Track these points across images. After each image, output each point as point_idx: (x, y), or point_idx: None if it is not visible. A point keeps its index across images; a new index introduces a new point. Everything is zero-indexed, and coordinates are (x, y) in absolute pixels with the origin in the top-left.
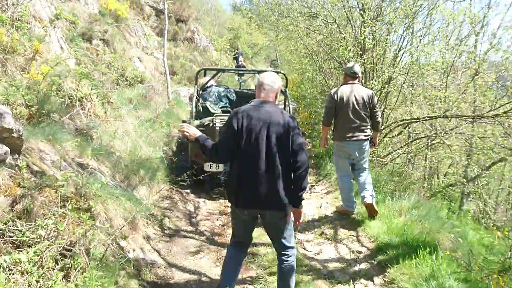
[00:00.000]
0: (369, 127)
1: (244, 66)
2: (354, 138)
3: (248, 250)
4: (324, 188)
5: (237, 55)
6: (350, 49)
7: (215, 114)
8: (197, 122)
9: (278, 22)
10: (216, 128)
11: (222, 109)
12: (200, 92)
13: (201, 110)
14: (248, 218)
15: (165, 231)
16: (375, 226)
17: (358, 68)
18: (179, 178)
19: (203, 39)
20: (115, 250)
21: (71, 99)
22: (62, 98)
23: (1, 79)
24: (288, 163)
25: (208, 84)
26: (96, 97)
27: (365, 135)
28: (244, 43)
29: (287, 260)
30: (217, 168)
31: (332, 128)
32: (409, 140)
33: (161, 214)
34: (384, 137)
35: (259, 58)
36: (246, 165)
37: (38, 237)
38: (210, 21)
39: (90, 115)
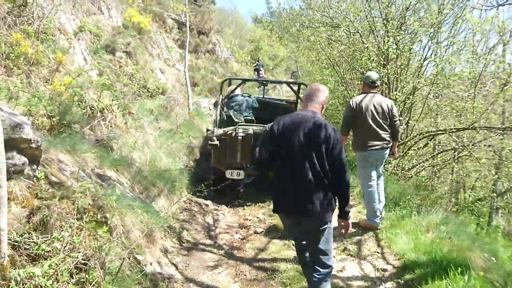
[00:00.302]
0: (389, 135)
1: (263, 75)
2: (376, 147)
3: (268, 266)
4: None
5: (257, 67)
6: (373, 59)
7: (238, 124)
8: (220, 131)
9: (300, 33)
10: (238, 137)
11: (245, 118)
12: (225, 100)
13: (225, 119)
14: (292, 223)
15: (183, 244)
16: (401, 242)
17: (376, 77)
18: (199, 188)
19: (224, 51)
20: (131, 264)
21: (92, 110)
22: (83, 109)
23: (24, 90)
24: (327, 173)
25: (236, 92)
26: (117, 108)
27: (386, 143)
28: (265, 54)
29: (316, 277)
30: (238, 175)
31: (352, 138)
32: (435, 153)
33: (180, 227)
34: (408, 150)
35: (280, 69)
36: (285, 172)
37: (54, 250)
38: (232, 33)
39: (110, 126)
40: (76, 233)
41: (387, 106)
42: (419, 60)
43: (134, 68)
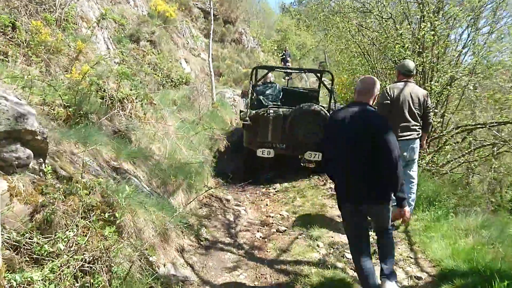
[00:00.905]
0: (420, 127)
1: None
2: (407, 137)
3: (290, 269)
4: None
5: (284, 57)
6: (408, 47)
7: (269, 106)
8: (253, 112)
9: (328, 20)
10: (270, 117)
11: (273, 103)
12: (257, 87)
13: (255, 103)
14: (354, 213)
15: (201, 243)
16: (437, 247)
17: (413, 66)
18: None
19: (250, 40)
20: (142, 266)
21: (112, 99)
22: (102, 98)
23: (38, 78)
24: (381, 162)
25: (269, 79)
26: (136, 98)
27: (417, 134)
28: (292, 44)
29: (388, 237)
30: (268, 154)
31: None
32: (472, 148)
33: (198, 224)
34: (444, 144)
35: (307, 59)
36: (343, 163)
37: (58, 250)
38: (259, 23)
39: (130, 117)
40: (83, 232)
41: (423, 97)
42: (457, 48)
43: (158, 58)
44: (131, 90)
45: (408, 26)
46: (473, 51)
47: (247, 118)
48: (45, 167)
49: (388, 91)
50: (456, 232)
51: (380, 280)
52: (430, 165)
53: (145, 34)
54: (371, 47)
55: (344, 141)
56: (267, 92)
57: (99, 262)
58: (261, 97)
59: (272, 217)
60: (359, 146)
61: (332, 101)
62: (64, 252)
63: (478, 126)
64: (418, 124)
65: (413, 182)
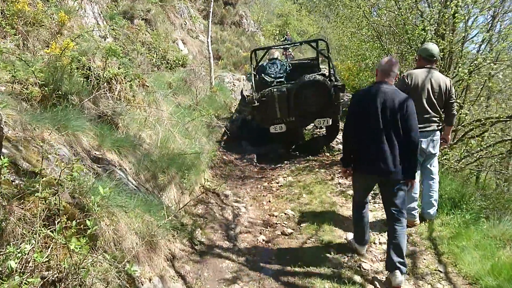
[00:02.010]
0: (439, 118)
1: (291, 54)
2: (426, 129)
3: (300, 283)
4: None
5: (286, 41)
6: (429, 29)
7: (272, 84)
8: (258, 94)
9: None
10: (275, 95)
11: (278, 79)
12: (261, 67)
13: (260, 84)
14: (370, 182)
15: (196, 247)
16: (470, 260)
17: (436, 50)
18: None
19: (251, 24)
20: (121, 285)
21: (98, 79)
22: (86, 78)
23: (11, 52)
24: (401, 137)
25: (275, 56)
26: (124, 78)
27: (437, 126)
28: (293, 30)
29: (400, 227)
30: (280, 129)
31: None
32: (491, 143)
33: (192, 224)
34: (462, 138)
35: (308, 46)
36: (365, 137)
37: (8, 270)
38: (259, 8)
39: (119, 99)
40: (44, 245)
41: (446, 85)
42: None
43: (153, 37)
44: (119, 68)
45: (429, 8)
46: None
47: (255, 101)
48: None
49: (406, 77)
50: (492, 242)
51: (390, 270)
52: (443, 159)
53: (139, 11)
54: (386, 29)
55: (374, 117)
56: (271, 70)
57: (64, 283)
58: (265, 76)
59: (276, 216)
60: (389, 123)
61: (331, 66)
62: (16, 273)
63: (502, 119)
64: (438, 116)
65: (434, 179)
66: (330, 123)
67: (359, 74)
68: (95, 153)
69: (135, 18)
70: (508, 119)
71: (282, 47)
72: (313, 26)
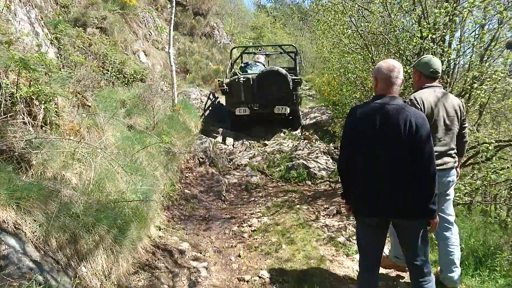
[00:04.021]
0: (455, 152)
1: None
2: (442, 166)
3: None
4: None
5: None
6: (430, 37)
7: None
8: (227, 80)
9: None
10: (240, 82)
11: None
12: (246, 62)
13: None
14: (377, 230)
15: None
16: None
17: (439, 64)
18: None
19: (223, 36)
20: None
21: (12, 100)
22: None
23: None
24: (412, 165)
25: (259, 60)
26: (36, 99)
27: (454, 162)
28: (267, 42)
29: (425, 282)
30: (244, 112)
31: None
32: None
33: None
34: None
35: (283, 59)
36: (367, 172)
37: None
38: (233, 20)
39: (43, 126)
40: None
41: (460, 108)
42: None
43: (108, 48)
44: (33, 86)
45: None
46: None
47: (224, 85)
48: None
49: (418, 102)
50: None
51: None
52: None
53: (93, 19)
54: (375, 37)
55: (376, 142)
56: (253, 69)
57: None
58: (237, 71)
59: (247, 281)
60: (395, 148)
61: (297, 63)
62: None
63: None
64: (454, 147)
65: (451, 230)
66: (288, 111)
67: (342, 89)
68: None
69: (88, 26)
70: None
71: (258, 49)
72: (287, 39)
